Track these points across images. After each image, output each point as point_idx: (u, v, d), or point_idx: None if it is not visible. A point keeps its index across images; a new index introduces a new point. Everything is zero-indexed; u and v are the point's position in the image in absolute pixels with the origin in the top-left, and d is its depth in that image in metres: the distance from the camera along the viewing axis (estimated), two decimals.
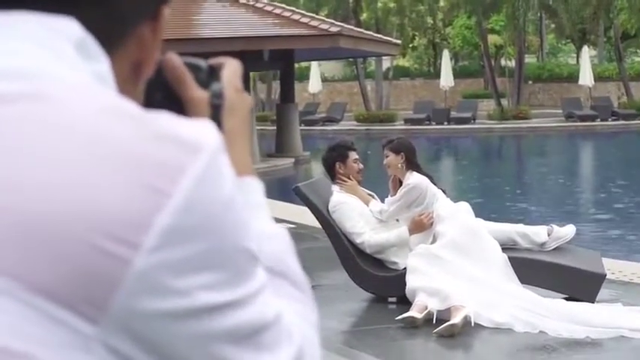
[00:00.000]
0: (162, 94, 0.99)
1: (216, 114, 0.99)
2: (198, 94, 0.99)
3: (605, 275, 7.83)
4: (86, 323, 0.75)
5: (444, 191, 8.35)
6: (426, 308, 7.04)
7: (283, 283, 0.95)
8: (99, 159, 0.77)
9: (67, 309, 0.75)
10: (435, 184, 8.25)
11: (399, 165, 8.16)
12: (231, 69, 1.05)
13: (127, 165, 0.77)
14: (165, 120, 0.81)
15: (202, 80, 1.01)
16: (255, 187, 1.01)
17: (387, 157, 8.25)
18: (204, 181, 0.79)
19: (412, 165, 8.20)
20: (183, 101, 0.99)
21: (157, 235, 0.76)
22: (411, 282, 7.39)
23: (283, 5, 26.40)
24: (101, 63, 0.88)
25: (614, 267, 8.92)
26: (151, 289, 0.77)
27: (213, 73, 1.03)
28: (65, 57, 0.85)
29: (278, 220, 0.95)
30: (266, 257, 0.90)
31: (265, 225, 0.98)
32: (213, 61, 1.05)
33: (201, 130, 0.82)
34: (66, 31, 0.86)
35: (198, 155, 0.79)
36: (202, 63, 1.03)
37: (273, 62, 26.66)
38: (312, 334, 0.93)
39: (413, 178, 8.08)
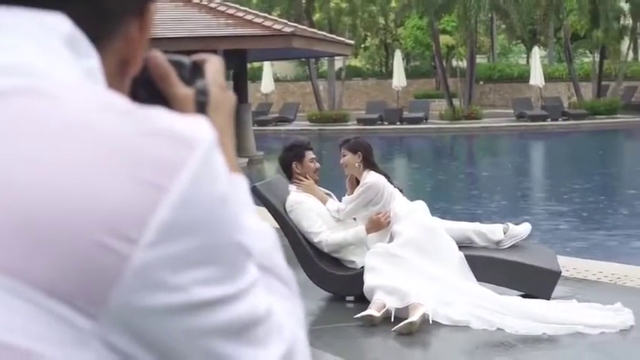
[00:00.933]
0: (146, 91, 0.99)
1: (201, 111, 0.99)
2: (183, 91, 1.00)
3: (560, 272, 7.91)
4: (85, 319, 0.76)
5: (400, 190, 8.39)
6: (384, 307, 7.07)
7: (271, 279, 0.95)
8: (96, 155, 0.77)
9: (66, 305, 0.75)
10: (391, 184, 8.28)
11: (356, 164, 8.19)
12: (214, 66, 1.05)
13: (125, 161, 0.77)
14: (160, 116, 0.81)
15: (186, 77, 1.01)
16: (242, 183, 1.01)
17: (344, 156, 8.27)
18: (200, 177, 0.79)
19: (369, 164, 8.23)
20: (167, 98, 0.99)
21: (154, 230, 0.77)
22: (369, 281, 7.41)
23: (236, 5, 26.35)
24: (91, 59, 0.88)
25: (568, 264, 9.02)
26: (149, 285, 0.77)
27: (197, 70, 1.03)
28: (56, 53, 0.85)
29: None
30: (255, 254, 0.90)
31: (252, 221, 0.98)
32: (196, 57, 1.05)
33: (196, 125, 0.82)
34: (57, 27, 0.86)
35: (195, 150, 0.80)
36: (186, 60, 1.03)
37: (226, 62, 26.35)
38: (300, 329, 0.94)
39: (370, 177, 8.11)
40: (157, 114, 0.81)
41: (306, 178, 8.25)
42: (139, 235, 0.76)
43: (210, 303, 0.80)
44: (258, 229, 0.98)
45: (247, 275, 0.84)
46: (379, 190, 8.05)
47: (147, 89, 0.99)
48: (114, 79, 0.93)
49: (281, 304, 0.92)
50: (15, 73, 0.81)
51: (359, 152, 8.21)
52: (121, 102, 0.82)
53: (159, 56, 1.00)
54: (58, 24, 0.86)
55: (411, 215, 7.95)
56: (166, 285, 0.77)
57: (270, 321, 0.86)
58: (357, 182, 8.20)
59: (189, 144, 0.80)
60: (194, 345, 0.80)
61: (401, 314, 6.99)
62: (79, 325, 0.76)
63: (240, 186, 1.00)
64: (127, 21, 0.92)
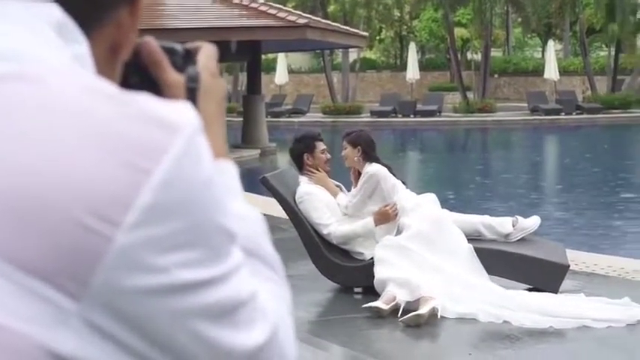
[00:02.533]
0: (138, 77, 1.00)
1: (191, 97, 1.00)
2: (175, 78, 1.01)
3: (569, 266, 7.89)
4: (67, 299, 0.77)
5: (403, 183, 8.39)
6: (394, 299, 7.06)
7: (257, 262, 0.96)
8: (81, 138, 0.78)
9: (48, 284, 0.76)
10: (394, 175, 8.28)
11: (356, 158, 8.21)
12: (206, 53, 1.06)
13: (109, 144, 0.79)
14: (145, 101, 0.82)
15: (178, 64, 1.02)
16: (230, 169, 1.02)
17: (344, 149, 8.30)
18: (183, 160, 0.80)
19: (370, 158, 8.22)
20: (159, 84, 1.00)
21: (137, 212, 0.78)
22: (380, 273, 7.41)
23: None
24: (80, 45, 0.89)
25: (577, 258, 8.99)
26: (132, 266, 0.78)
27: (189, 56, 1.04)
28: (46, 39, 0.86)
29: None
30: (241, 238, 0.91)
31: (239, 206, 0.99)
32: (189, 44, 1.06)
33: (180, 110, 0.83)
34: (46, 13, 0.87)
35: (178, 135, 0.81)
36: (178, 47, 1.04)
37: (240, 53, 26.51)
38: (286, 312, 0.95)
39: (370, 168, 8.12)
40: (142, 99, 0.83)
41: (317, 169, 8.26)
42: (121, 216, 0.77)
43: (193, 285, 0.81)
44: (245, 214, 0.99)
45: (231, 258, 0.85)
46: (379, 179, 8.05)
47: (139, 75, 1.00)
48: (104, 65, 0.94)
49: (266, 287, 0.93)
50: (7, 58, 0.83)
51: (359, 146, 8.22)
52: (106, 86, 0.83)
53: (151, 42, 1.01)
54: (48, 11, 0.87)
55: (418, 208, 7.95)
56: (149, 266, 0.79)
57: (254, 304, 0.87)
58: (360, 175, 8.22)
59: (173, 128, 0.81)
60: (177, 327, 0.81)
61: (410, 307, 6.98)
62: (62, 305, 0.77)
63: (227, 172, 1.01)
64: (118, 7, 0.93)
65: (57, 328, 0.77)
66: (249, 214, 1.00)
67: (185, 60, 1.03)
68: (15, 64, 0.82)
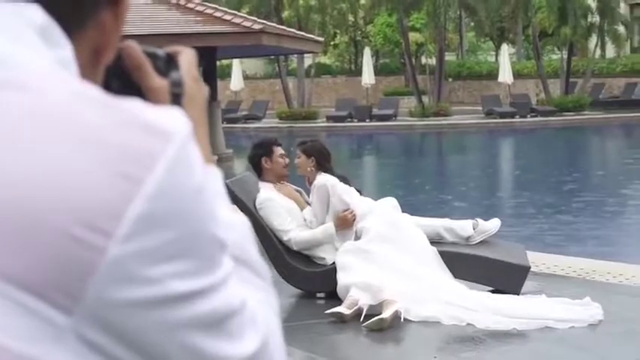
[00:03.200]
0: (119, 82, 0.98)
1: (176, 102, 0.99)
2: (158, 83, 0.99)
3: (530, 268, 7.96)
4: (59, 313, 0.75)
5: (359, 191, 8.43)
6: (357, 303, 7.06)
7: (245, 270, 0.95)
8: (72, 147, 0.76)
9: (39, 298, 0.74)
10: (348, 184, 8.31)
11: (309, 168, 8.23)
12: (187, 58, 1.04)
13: (100, 152, 0.77)
14: (135, 107, 0.81)
15: (161, 68, 1.00)
16: (216, 175, 1.01)
17: (298, 157, 8.32)
18: (175, 168, 0.79)
19: (323, 169, 8.24)
20: (141, 89, 0.98)
21: (130, 223, 0.76)
22: (342, 279, 7.41)
23: (206, 3, 26.25)
24: (64, 49, 0.87)
25: (537, 260, 9.06)
26: (125, 278, 0.76)
27: (171, 61, 1.02)
28: (29, 43, 0.84)
29: None
30: (229, 244, 0.90)
31: (226, 212, 0.98)
32: (169, 49, 1.04)
33: (171, 117, 0.82)
34: (29, 17, 0.85)
35: (170, 142, 0.79)
36: (160, 51, 1.02)
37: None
38: (275, 320, 0.94)
39: (318, 179, 8.14)
40: (132, 105, 0.81)
41: (276, 175, 8.26)
42: (114, 228, 0.76)
43: (186, 296, 0.79)
44: (232, 220, 0.98)
45: (222, 267, 0.84)
46: (328, 188, 8.05)
47: (121, 80, 0.98)
48: (87, 69, 0.92)
49: (255, 295, 0.91)
50: None
51: (312, 156, 8.23)
52: (95, 93, 0.81)
53: (134, 46, 0.99)
54: (30, 13, 0.85)
55: (374, 211, 8.00)
56: (142, 278, 0.77)
57: (245, 312, 0.86)
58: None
59: (165, 135, 0.79)
60: (170, 338, 0.80)
61: (373, 310, 6.99)
62: (53, 319, 0.75)
63: (214, 177, 0.99)
64: (101, 9, 0.91)
65: (50, 343, 0.75)
66: (235, 221, 0.99)
67: (167, 65, 1.02)
68: None
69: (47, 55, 0.85)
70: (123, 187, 0.76)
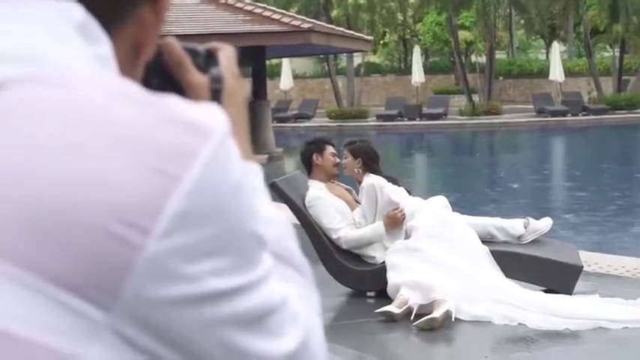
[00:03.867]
0: (159, 79, 0.98)
1: (216, 99, 0.99)
2: (198, 79, 0.99)
3: (582, 267, 7.87)
4: (97, 310, 0.74)
5: (408, 191, 8.42)
6: (407, 303, 7.04)
7: (286, 267, 0.94)
8: (109, 144, 0.76)
9: (77, 296, 0.74)
10: (396, 184, 8.30)
11: (356, 169, 8.24)
12: (226, 54, 1.04)
13: (138, 149, 0.76)
14: (173, 103, 0.80)
15: (200, 65, 1.00)
16: (256, 171, 1.00)
17: (345, 158, 8.33)
18: (214, 165, 0.78)
19: (370, 169, 8.24)
20: (181, 86, 0.98)
21: (168, 219, 0.75)
22: (393, 278, 7.39)
23: (255, 2, 26.36)
24: (103, 45, 0.86)
25: (590, 259, 8.97)
26: (162, 275, 0.76)
27: (211, 58, 1.02)
28: (68, 40, 0.83)
29: None
30: (269, 242, 0.89)
31: (266, 209, 0.97)
32: (209, 45, 1.04)
33: (209, 113, 0.81)
34: (67, 13, 0.85)
35: (208, 139, 0.78)
36: (200, 48, 1.02)
37: (244, 59, 26.40)
38: (316, 318, 0.93)
39: (365, 180, 8.14)
40: (170, 102, 0.80)
41: (326, 172, 8.28)
42: (152, 224, 0.75)
43: (225, 293, 0.79)
44: (272, 217, 0.97)
45: (262, 264, 0.83)
46: (376, 189, 8.04)
47: (161, 76, 0.98)
48: (126, 65, 0.91)
49: (296, 292, 0.91)
50: (26, 61, 0.80)
51: (359, 158, 8.24)
52: (133, 89, 0.80)
53: (174, 43, 0.99)
54: (70, 11, 0.85)
55: (423, 210, 7.98)
56: (180, 275, 0.76)
57: (285, 310, 0.85)
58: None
59: (203, 132, 0.79)
60: (208, 336, 0.79)
61: (424, 310, 6.96)
62: (91, 316, 0.74)
63: (254, 174, 0.99)
64: (140, 5, 0.91)
65: (87, 340, 0.75)
66: (276, 217, 0.98)
67: (207, 61, 1.02)
68: (35, 66, 0.80)
69: (85, 52, 0.84)
70: (160, 183, 0.76)
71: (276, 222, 0.97)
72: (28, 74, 0.79)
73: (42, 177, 0.75)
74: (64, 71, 0.80)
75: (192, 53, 1.00)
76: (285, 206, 7.94)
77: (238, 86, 1.04)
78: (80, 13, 0.85)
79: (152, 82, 0.96)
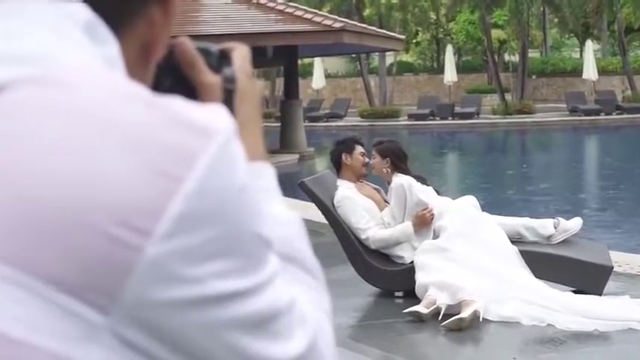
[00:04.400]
0: (171, 79, 0.97)
1: (228, 99, 0.98)
2: (211, 79, 0.98)
3: (612, 268, 7.81)
4: (97, 313, 0.74)
5: (437, 191, 8.40)
6: (435, 303, 7.02)
7: (295, 269, 0.93)
8: (111, 144, 0.75)
9: (76, 298, 0.74)
10: (425, 184, 8.28)
11: (384, 169, 8.24)
12: (240, 54, 1.04)
13: (139, 150, 0.76)
14: (177, 105, 0.79)
15: (213, 65, 1.00)
16: (268, 172, 1.00)
17: (374, 158, 8.32)
18: (217, 167, 0.77)
19: (398, 169, 8.22)
20: (193, 86, 0.97)
21: (169, 221, 0.75)
22: (421, 278, 7.37)
23: (286, 2, 26.39)
24: (110, 46, 0.86)
25: (621, 260, 8.90)
26: (164, 278, 0.75)
27: (224, 57, 1.02)
28: (73, 40, 0.83)
29: None
30: (278, 243, 0.88)
31: (277, 210, 0.96)
32: (223, 45, 1.04)
33: (213, 114, 0.80)
34: (74, 14, 0.84)
35: (211, 140, 0.78)
36: (213, 47, 1.01)
37: (276, 59, 26.66)
38: (325, 320, 0.92)
39: (394, 180, 8.14)
40: (174, 103, 0.80)
41: (355, 171, 8.27)
42: (153, 226, 0.74)
43: (228, 296, 0.78)
44: (282, 218, 0.96)
45: (267, 267, 0.82)
46: (405, 189, 8.03)
47: (173, 76, 0.98)
48: (136, 66, 0.91)
49: (304, 294, 0.90)
50: (30, 61, 0.80)
51: (388, 157, 8.23)
52: (138, 90, 0.80)
53: (186, 43, 0.98)
54: (75, 10, 0.85)
55: (452, 209, 7.96)
56: (182, 278, 0.75)
57: (293, 313, 0.84)
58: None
59: (207, 133, 0.78)
60: (212, 340, 0.79)
61: (451, 310, 6.94)
62: (91, 320, 0.74)
63: (265, 174, 0.99)
64: (150, 6, 0.91)
65: (86, 343, 0.74)
66: (287, 218, 0.97)
67: (220, 61, 1.01)
68: (39, 67, 0.79)
69: (92, 53, 0.84)
70: (162, 185, 0.75)
71: (286, 223, 0.96)
72: (31, 75, 0.79)
73: (41, 177, 0.74)
74: (68, 72, 0.80)
75: (205, 53, 0.99)
76: (312, 205, 7.94)
77: (251, 86, 1.03)
78: (87, 13, 0.85)
79: (164, 83, 0.96)
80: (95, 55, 0.84)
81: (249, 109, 1.01)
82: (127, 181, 0.75)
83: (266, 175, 0.99)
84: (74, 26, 0.84)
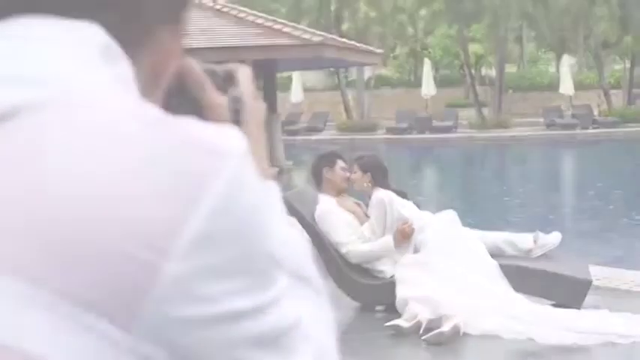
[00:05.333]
0: (179, 99, 0.99)
1: (235, 119, 1.00)
2: (219, 100, 1.00)
3: (591, 282, 7.85)
4: (117, 330, 0.75)
5: (417, 205, 8.42)
6: (416, 317, 7.04)
7: (300, 285, 0.95)
8: (127, 165, 0.77)
9: (97, 316, 0.75)
10: (406, 199, 8.30)
11: (365, 184, 8.26)
12: (245, 75, 1.06)
13: (156, 171, 0.77)
14: (191, 125, 0.81)
15: (219, 85, 1.02)
16: (274, 190, 1.01)
17: (354, 173, 8.33)
18: (232, 187, 0.79)
19: (379, 184, 8.25)
20: (200, 106, 0.99)
21: (186, 242, 0.76)
22: (401, 292, 7.39)
23: (265, 15, 26.38)
24: (123, 67, 0.87)
25: (599, 274, 8.94)
26: (181, 296, 0.76)
27: (230, 78, 1.04)
28: (87, 61, 0.84)
29: None
30: (286, 261, 0.90)
31: (283, 229, 0.98)
32: (227, 67, 1.06)
33: (227, 135, 0.82)
34: (88, 35, 0.85)
35: (226, 160, 0.79)
36: (219, 69, 1.04)
37: (255, 72, 26.45)
38: (330, 336, 0.94)
39: (375, 195, 8.15)
40: (188, 124, 0.81)
41: (335, 186, 8.28)
42: (170, 246, 0.76)
43: (242, 313, 0.79)
44: (289, 237, 0.98)
45: (277, 285, 0.83)
46: (385, 204, 8.05)
47: (181, 97, 0.99)
48: (147, 88, 0.92)
49: (309, 311, 0.92)
50: (46, 84, 0.81)
51: (369, 172, 8.25)
52: (151, 112, 0.81)
53: (194, 64, 1.00)
54: (89, 31, 0.86)
55: (432, 224, 7.99)
56: (198, 296, 0.77)
57: (299, 330, 0.86)
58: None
59: (221, 154, 0.79)
60: (225, 355, 0.80)
61: (432, 324, 6.96)
62: (112, 337, 0.75)
63: (272, 193, 1.00)
64: (161, 29, 0.92)
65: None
66: (292, 236, 0.99)
67: (226, 82, 1.03)
68: (56, 88, 0.81)
69: (105, 73, 0.85)
70: (179, 206, 0.76)
71: (292, 241, 0.98)
72: (48, 97, 0.79)
73: (61, 199, 0.75)
74: (83, 93, 0.81)
75: (212, 74, 1.01)
76: (294, 220, 7.93)
77: (256, 107, 1.06)
78: (100, 35, 0.86)
79: (172, 102, 0.97)
80: (110, 76, 0.85)
81: (254, 128, 1.03)
82: (144, 201, 0.76)
83: (273, 193, 1.01)
84: (88, 47, 0.85)
